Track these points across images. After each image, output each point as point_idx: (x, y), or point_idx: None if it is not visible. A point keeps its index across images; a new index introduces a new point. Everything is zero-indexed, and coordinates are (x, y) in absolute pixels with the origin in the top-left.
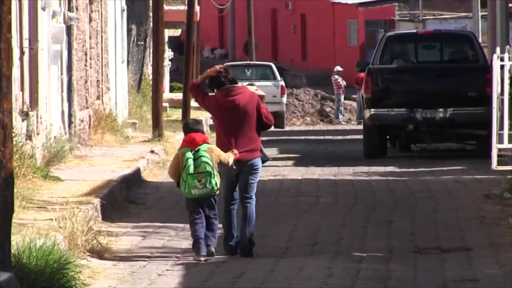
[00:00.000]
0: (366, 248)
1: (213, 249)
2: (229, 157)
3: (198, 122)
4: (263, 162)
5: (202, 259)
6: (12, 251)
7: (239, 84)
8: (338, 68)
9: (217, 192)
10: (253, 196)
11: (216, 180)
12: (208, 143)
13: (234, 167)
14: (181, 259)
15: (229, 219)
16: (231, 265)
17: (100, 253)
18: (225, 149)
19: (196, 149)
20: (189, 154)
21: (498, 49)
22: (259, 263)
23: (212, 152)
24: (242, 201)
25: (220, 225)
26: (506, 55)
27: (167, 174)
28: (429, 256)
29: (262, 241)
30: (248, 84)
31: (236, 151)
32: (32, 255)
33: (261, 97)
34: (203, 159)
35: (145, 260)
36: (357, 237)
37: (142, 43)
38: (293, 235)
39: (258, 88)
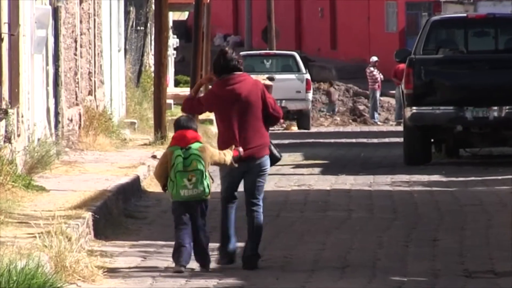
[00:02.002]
0: (406, 271)
1: (209, 266)
2: (225, 155)
3: (190, 119)
4: (273, 161)
5: (183, 269)
6: None
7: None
8: (374, 58)
9: (208, 196)
10: (261, 201)
11: (208, 182)
12: (200, 142)
13: (236, 165)
14: (189, 283)
15: (226, 221)
16: None
17: (92, 277)
18: (228, 147)
19: (186, 147)
20: (179, 152)
21: None
22: None
23: (204, 152)
24: (249, 207)
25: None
26: None
27: (154, 175)
28: (481, 281)
29: (284, 262)
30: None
31: (240, 149)
32: (12, 279)
33: (268, 86)
34: (194, 157)
35: (146, 285)
36: (396, 259)
37: (142, 28)
38: (320, 256)
39: (265, 78)
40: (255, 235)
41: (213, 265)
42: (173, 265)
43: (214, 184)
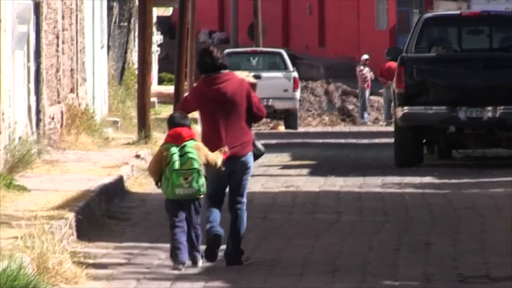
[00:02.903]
0: (398, 276)
1: (200, 263)
2: (217, 158)
3: (184, 116)
4: (257, 156)
5: (182, 267)
6: None
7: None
8: (365, 56)
9: (202, 195)
10: (245, 198)
11: (203, 181)
12: (194, 139)
13: (223, 168)
14: (174, 286)
15: (212, 224)
16: None
17: (75, 279)
18: (213, 146)
19: (182, 145)
20: (175, 150)
21: None
22: None
23: (199, 150)
24: (233, 205)
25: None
26: None
27: (147, 171)
28: (475, 286)
29: (272, 266)
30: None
31: (226, 149)
32: None
33: (252, 85)
34: (190, 155)
35: (130, 287)
36: (387, 263)
37: (125, 24)
38: (309, 260)
39: (249, 75)
40: (238, 230)
41: (201, 265)
42: (157, 267)
43: None
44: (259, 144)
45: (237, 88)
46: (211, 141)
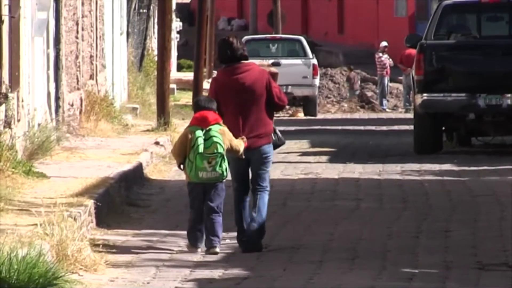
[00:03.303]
0: (417, 263)
1: (217, 249)
2: (241, 145)
3: (211, 100)
4: (277, 146)
5: (199, 251)
6: None
7: (251, 60)
8: (384, 43)
9: (225, 179)
10: (267, 186)
11: (227, 165)
12: (220, 124)
13: (243, 157)
14: (193, 274)
15: (240, 213)
16: (254, 282)
17: (94, 266)
18: (234, 135)
19: (207, 129)
20: (200, 133)
21: None
22: (288, 280)
23: (224, 135)
24: (254, 191)
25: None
26: None
27: (171, 153)
28: (495, 274)
29: (291, 253)
30: (272, 63)
31: (244, 138)
32: (13, 268)
33: (274, 75)
34: (215, 139)
35: (149, 275)
36: (406, 250)
37: (145, 11)
38: (328, 247)
39: (270, 65)
40: (258, 211)
41: (218, 254)
42: (176, 255)
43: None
44: (279, 134)
45: (257, 78)
46: (230, 130)
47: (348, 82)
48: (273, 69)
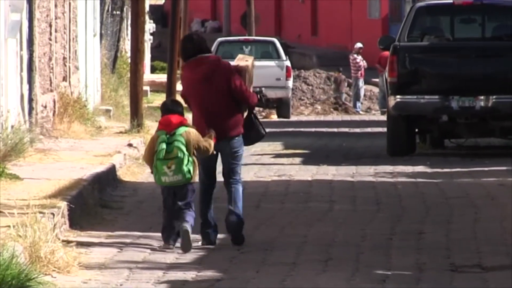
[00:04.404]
0: (391, 265)
1: (187, 227)
2: (210, 145)
3: (176, 102)
4: (258, 138)
5: (172, 247)
6: None
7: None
8: (359, 45)
9: (191, 180)
10: (240, 179)
11: (190, 167)
12: (185, 125)
13: (214, 152)
14: (167, 275)
15: (205, 204)
16: (228, 284)
17: (67, 268)
18: (201, 130)
19: (171, 133)
20: (163, 138)
21: None
22: (261, 282)
23: (189, 136)
24: (227, 185)
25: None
26: None
27: (143, 159)
28: (468, 276)
29: (265, 255)
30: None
31: (212, 132)
32: None
33: (240, 69)
34: (176, 143)
35: (122, 277)
36: (380, 252)
37: (118, 13)
38: (302, 249)
39: (247, 58)
40: (235, 200)
41: (191, 256)
42: (149, 256)
43: None
44: (260, 126)
45: (215, 69)
46: (197, 124)
47: (335, 83)
48: (242, 64)
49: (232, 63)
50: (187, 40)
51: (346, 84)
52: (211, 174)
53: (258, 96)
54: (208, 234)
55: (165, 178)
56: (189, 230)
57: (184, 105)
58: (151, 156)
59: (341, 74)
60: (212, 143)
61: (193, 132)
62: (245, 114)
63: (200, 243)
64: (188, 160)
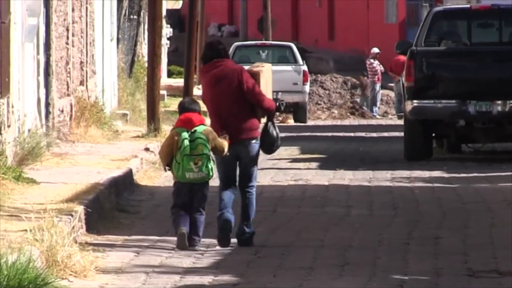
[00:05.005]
0: (408, 270)
1: (196, 248)
2: (225, 145)
3: (195, 101)
4: (271, 147)
5: (184, 230)
6: None
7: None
8: (376, 50)
9: (211, 178)
10: (254, 184)
11: (212, 165)
12: (204, 124)
13: (228, 154)
14: (183, 280)
15: (225, 207)
16: None
17: (84, 272)
18: (216, 132)
19: (192, 130)
20: (185, 135)
21: None
22: (278, 286)
23: (208, 135)
24: (242, 188)
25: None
26: None
27: (158, 155)
28: (485, 281)
29: (281, 259)
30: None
31: (227, 136)
32: (2, 274)
33: (254, 73)
34: (200, 141)
35: (139, 282)
36: (397, 257)
37: (135, 17)
38: (319, 253)
39: (261, 64)
40: (248, 213)
41: (208, 261)
42: (166, 261)
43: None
44: (273, 131)
45: (228, 73)
46: (213, 127)
47: (360, 88)
48: (255, 69)
49: (247, 68)
50: (206, 46)
51: (371, 88)
52: (231, 178)
53: (277, 103)
54: (226, 236)
55: (190, 174)
56: (198, 249)
57: (204, 108)
58: (169, 152)
59: (365, 78)
60: (226, 144)
61: (211, 131)
62: (263, 120)
63: (217, 247)
64: (211, 157)
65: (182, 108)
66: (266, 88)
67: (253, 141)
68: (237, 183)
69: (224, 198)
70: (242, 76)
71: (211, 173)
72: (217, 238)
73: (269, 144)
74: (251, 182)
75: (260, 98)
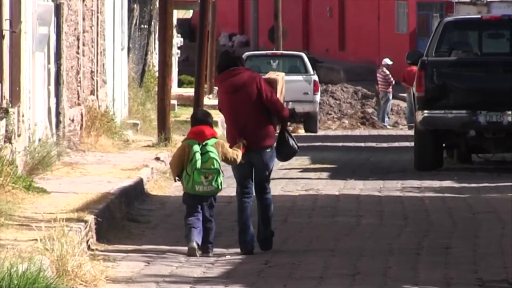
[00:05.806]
0: (418, 279)
1: (210, 254)
2: (237, 155)
3: (207, 114)
4: (291, 154)
5: (195, 245)
6: None
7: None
8: (387, 61)
9: (220, 191)
10: (269, 188)
11: (222, 179)
12: (216, 137)
13: (243, 161)
14: None
15: (242, 213)
16: None
17: (94, 282)
18: (232, 140)
19: (203, 143)
20: (197, 148)
21: None
22: None
23: (219, 147)
24: (258, 195)
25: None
26: None
27: (169, 165)
28: None
29: (292, 269)
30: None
31: (244, 141)
32: (13, 283)
33: (271, 82)
34: (211, 154)
35: None
36: (407, 267)
37: (146, 26)
38: (329, 263)
39: (276, 73)
40: (266, 214)
41: (219, 270)
42: (176, 270)
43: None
44: (292, 141)
45: (247, 80)
46: (229, 134)
47: (377, 97)
48: (272, 77)
49: (263, 77)
50: (222, 55)
51: (383, 99)
52: (248, 185)
53: (291, 111)
54: (246, 242)
55: (200, 188)
56: (211, 255)
57: (215, 118)
58: (180, 163)
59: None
60: (240, 153)
61: (221, 144)
62: (278, 128)
63: (227, 256)
64: (221, 172)
65: (195, 120)
66: (281, 96)
67: (268, 150)
68: (253, 189)
69: (244, 213)
70: (261, 84)
71: (220, 187)
72: (241, 252)
73: (288, 154)
74: (267, 188)
75: (279, 105)
